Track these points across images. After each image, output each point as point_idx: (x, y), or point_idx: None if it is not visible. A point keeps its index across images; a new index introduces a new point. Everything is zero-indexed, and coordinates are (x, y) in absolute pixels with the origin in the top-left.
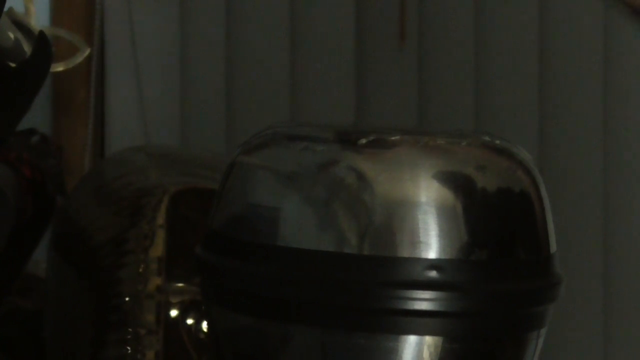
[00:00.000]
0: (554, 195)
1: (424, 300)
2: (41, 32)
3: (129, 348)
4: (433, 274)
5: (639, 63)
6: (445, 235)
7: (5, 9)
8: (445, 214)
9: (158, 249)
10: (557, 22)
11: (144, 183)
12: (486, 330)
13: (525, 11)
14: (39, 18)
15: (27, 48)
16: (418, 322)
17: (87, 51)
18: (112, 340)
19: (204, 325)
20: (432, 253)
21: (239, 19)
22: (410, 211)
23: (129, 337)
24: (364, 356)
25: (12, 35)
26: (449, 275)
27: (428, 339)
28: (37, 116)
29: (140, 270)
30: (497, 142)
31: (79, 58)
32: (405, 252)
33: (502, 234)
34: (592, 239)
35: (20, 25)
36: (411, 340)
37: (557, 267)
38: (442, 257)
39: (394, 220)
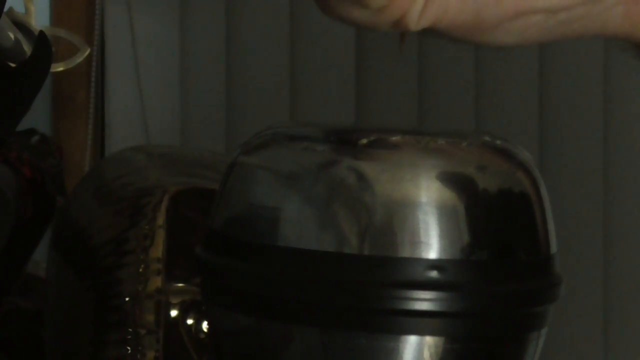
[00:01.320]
0: (554, 195)
1: (424, 301)
2: (41, 32)
3: (129, 348)
4: (434, 274)
5: None
6: (446, 235)
7: (5, 9)
8: (446, 215)
9: (158, 249)
10: None
11: (144, 183)
12: (487, 330)
13: None
14: (39, 18)
15: (27, 48)
16: (419, 322)
17: (87, 51)
18: (112, 340)
19: (204, 325)
20: (432, 253)
21: (239, 19)
22: (411, 211)
23: (129, 337)
24: (364, 356)
25: (12, 35)
26: (449, 276)
27: (429, 339)
28: (37, 116)
29: (140, 270)
30: (498, 142)
31: (79, 58)
32: (405, 252)
33: (503, 235)
34: (592, 239)
35: (20, 25)
36: (412, 340)
37: (558, 267)
38: (443, 257)
39: (394, 221)
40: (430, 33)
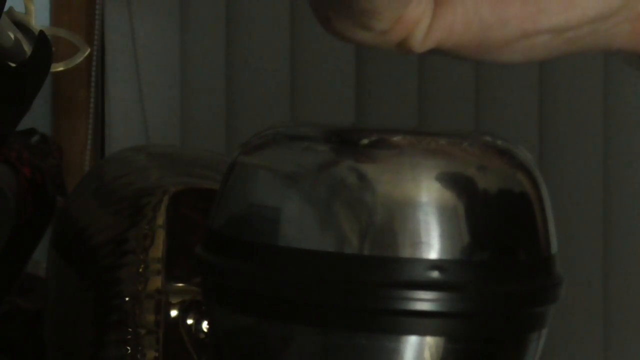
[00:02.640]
0: (554, 195)
1: (425, 301)
2: (41, 32)
3: (129, 348)
4: (435, 274)
5: None
6: (446, 235)
7: (5, 9)
8: (446, 215)
9: (158, 249)
10: None
11: (144, 183)
12: (487, 330)
13: None
14: (39, 18)
15: (27, 48)
16: (419, 322)
17: (87, 51)
18: (112, 340)
19: (204, 325)
20: (433, 253)
21: (239, 20)
22: (412, 212)
23: (129, 337)
24: (365, 356)
25: (12, 35)
26: (450, 276)
27: (429, 339)
28: (37, 116)
29: (140, 270)
30: (498, 142)
31: (79, 58)
32: (406, 253)
33: (503, 235)
34: (592, 239)
35: (20, 25)
36: (412, 340)
37: (558, 267)
38: (444, 257)
39: (395, 221)
40: (436, 52)
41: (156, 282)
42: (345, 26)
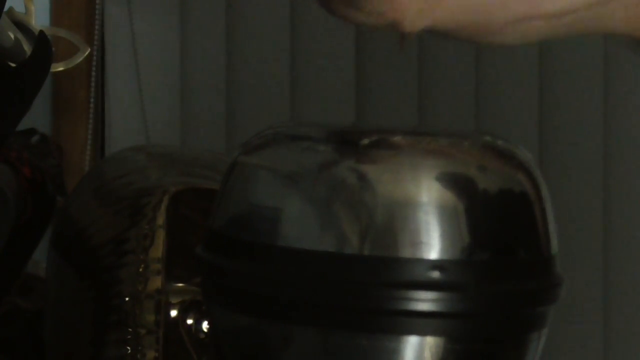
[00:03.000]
0: (554, 195)
1: (425, 301)
2: (41, 32)
3: (129, 348)
4: (435, 274)
5: None
6: (446, 235)
7: (5, 9)
8: (446, 215)
9: (158, 249)
10: None
11: (144, 183)
12: (488, 330)
13: None
14: (39, 18)
15: (27, 48)
16: (420, 322)
17: (87, 51)
18: (112, 340)
19: (204, 325)
20: (433, 254)
21: (239, 19)
22: (412, 212)
23: (129, 337)
24: (365, 356)
25: (12, 35)
26: (450, 276)
27: (429, 339)
28: (37, 116)
29: (140, 270)
30: (499, 142)
31: (79, 58)
32: (407, 253)
33: (504, 235)
34: (592, 239)
35: (20, 25)
36: (413, 340)
37: (558, 267)
38: (444, 257)
39: (395, 221)
40: (433, 33)
41: (156, 282)
42: (341, 6)
